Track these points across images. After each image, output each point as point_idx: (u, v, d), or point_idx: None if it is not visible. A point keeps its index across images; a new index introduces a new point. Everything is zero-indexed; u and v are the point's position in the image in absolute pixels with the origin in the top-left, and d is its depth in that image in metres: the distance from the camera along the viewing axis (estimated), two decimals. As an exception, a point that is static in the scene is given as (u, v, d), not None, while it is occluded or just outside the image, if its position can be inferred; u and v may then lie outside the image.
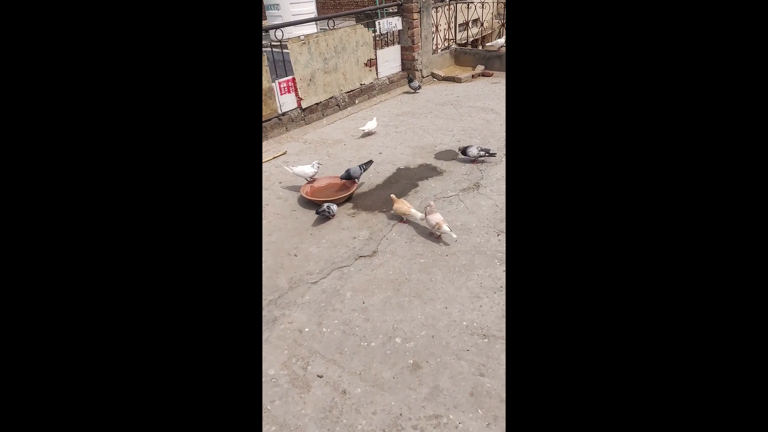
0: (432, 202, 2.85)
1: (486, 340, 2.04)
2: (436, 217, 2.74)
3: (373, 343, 2.08)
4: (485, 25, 10.26)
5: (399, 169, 3.84)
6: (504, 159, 3.83)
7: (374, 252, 2.76)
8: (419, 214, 2.86)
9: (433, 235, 2.83)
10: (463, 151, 3.77)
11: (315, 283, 2.52)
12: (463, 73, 6.52)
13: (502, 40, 6.79)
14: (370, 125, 4.64)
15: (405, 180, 3.64)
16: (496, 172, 3.61)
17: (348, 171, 3.41)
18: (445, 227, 2.70)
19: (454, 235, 2.73)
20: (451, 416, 1.71)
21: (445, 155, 4.02)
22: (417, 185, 3.54)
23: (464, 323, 2.15)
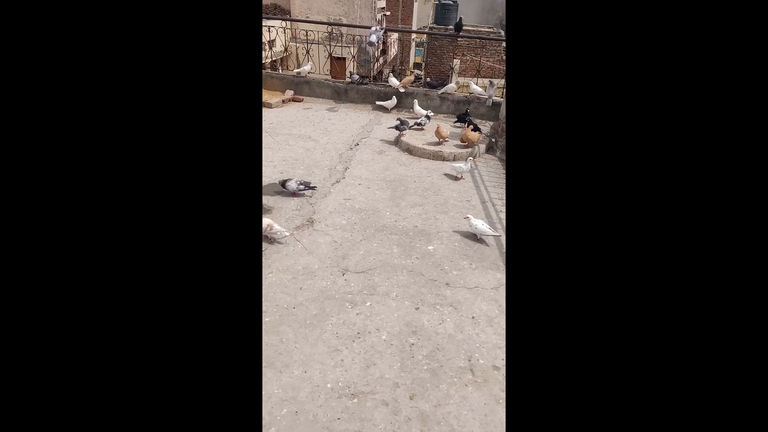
0: None
1: (355, 401, 1.89)
2: (263, 221, 2.83)
3: (224, 443, 1.68)
4: (286, 47, 10.29)
5: (219, 209, 3.36)
6: (332, 191, 3.80)
7: (206, 318, 2.29)
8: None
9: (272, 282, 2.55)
10: (283, 184, 3.59)
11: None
12: (273, 98, 6.30)
13: (308, 67, 6.85)
14: None
15: (229, 222, 3.20)
16: (328, 205, 3.54)
17: None
18: (276, 226, 2.84)
19: (287, 233, 2.86)
20: None
21: (270, 189, 3.73)
22: (244, 227, 3.15)
23: (328, 385, 1.96)
